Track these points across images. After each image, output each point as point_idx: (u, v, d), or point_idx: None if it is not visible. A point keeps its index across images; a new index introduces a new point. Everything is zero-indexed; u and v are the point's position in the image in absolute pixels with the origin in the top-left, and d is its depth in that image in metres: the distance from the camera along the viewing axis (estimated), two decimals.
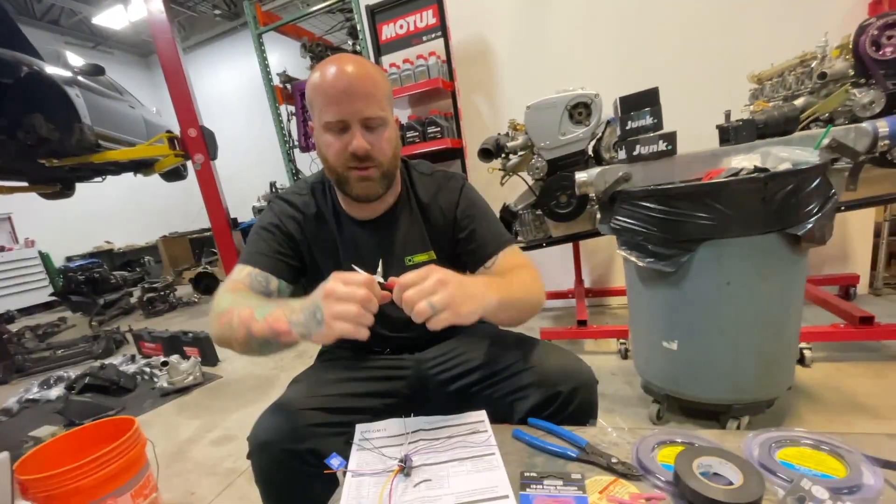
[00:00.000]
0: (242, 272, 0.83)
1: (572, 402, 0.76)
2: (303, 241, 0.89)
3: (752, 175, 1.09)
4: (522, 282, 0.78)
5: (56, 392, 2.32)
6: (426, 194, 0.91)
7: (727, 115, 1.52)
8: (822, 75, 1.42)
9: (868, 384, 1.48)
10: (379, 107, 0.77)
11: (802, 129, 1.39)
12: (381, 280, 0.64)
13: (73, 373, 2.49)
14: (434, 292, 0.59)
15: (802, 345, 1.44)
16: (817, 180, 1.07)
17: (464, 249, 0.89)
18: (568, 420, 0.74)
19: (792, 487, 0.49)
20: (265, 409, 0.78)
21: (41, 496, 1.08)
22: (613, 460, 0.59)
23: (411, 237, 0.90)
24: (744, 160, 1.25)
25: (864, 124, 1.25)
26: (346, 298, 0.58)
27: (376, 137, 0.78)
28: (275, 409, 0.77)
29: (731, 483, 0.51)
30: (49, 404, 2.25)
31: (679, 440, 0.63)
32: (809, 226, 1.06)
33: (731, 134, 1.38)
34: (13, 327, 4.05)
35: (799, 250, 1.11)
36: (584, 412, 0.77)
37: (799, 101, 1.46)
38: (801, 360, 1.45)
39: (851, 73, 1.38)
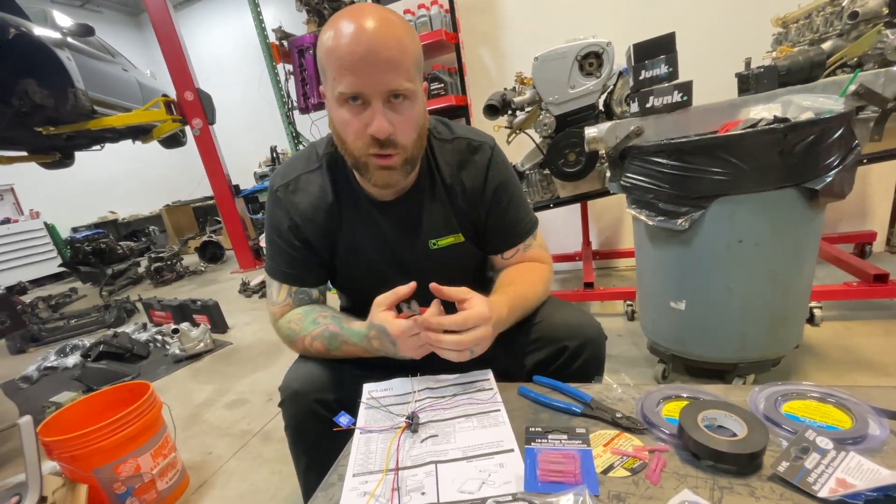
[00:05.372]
0: (281, 293, 0.84)
1: (579, 358, 0.75)
2: (322, 240, 0.83)
3: (771, 126, 1.03)
4: (531, 293, 0.80)
5: (73, 360, 2.39)
6: (449, 168, 0.81)
7: (747, 63, 1.42)
8: (854, 14, 1.31)
9: (878, 342, 1.46)
10: (406, 76, 0.65)
11: (828, 75, 1.31)
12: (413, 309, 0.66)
13: (87, 341, 2.56)
14: (476, 345, 0.64)
15: (813, 304, 1.41)
16: (840, 130, 1.00)
17: (485, 233, 0.86)
18: (575, 375, 0.74)
19: (796, 438, 0.49)
20: (294, 360, 0.82)
21: (66, 456, 1.13)
22: (618, 415, 0.59)
23: (436, 218, 0.82)
24: (763, 110, 1.18)
25: (895, 68, 1.16)
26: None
27: (401, 116, 0.67)
28: (305, 360, 0.79)
29: (735, 435, 0.51)
30: (67, 371, 2.33)
31: (684, 395, 0.62)
32: (829, 179, 1.01)
33: (752, 82, 1.29)
34: (26, 298, 4.14)
35: (816, 206, 1.07)
36: (592, 368, 0.76)
37: (826, 45, 1.36)
38: (811, 319, 1.43)
39: (885, 11, 1.28)
